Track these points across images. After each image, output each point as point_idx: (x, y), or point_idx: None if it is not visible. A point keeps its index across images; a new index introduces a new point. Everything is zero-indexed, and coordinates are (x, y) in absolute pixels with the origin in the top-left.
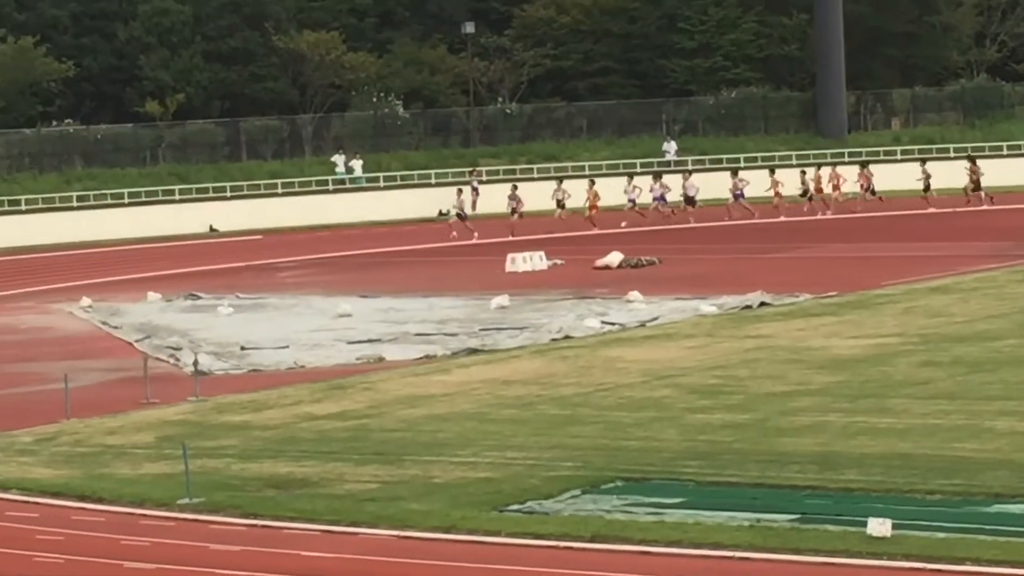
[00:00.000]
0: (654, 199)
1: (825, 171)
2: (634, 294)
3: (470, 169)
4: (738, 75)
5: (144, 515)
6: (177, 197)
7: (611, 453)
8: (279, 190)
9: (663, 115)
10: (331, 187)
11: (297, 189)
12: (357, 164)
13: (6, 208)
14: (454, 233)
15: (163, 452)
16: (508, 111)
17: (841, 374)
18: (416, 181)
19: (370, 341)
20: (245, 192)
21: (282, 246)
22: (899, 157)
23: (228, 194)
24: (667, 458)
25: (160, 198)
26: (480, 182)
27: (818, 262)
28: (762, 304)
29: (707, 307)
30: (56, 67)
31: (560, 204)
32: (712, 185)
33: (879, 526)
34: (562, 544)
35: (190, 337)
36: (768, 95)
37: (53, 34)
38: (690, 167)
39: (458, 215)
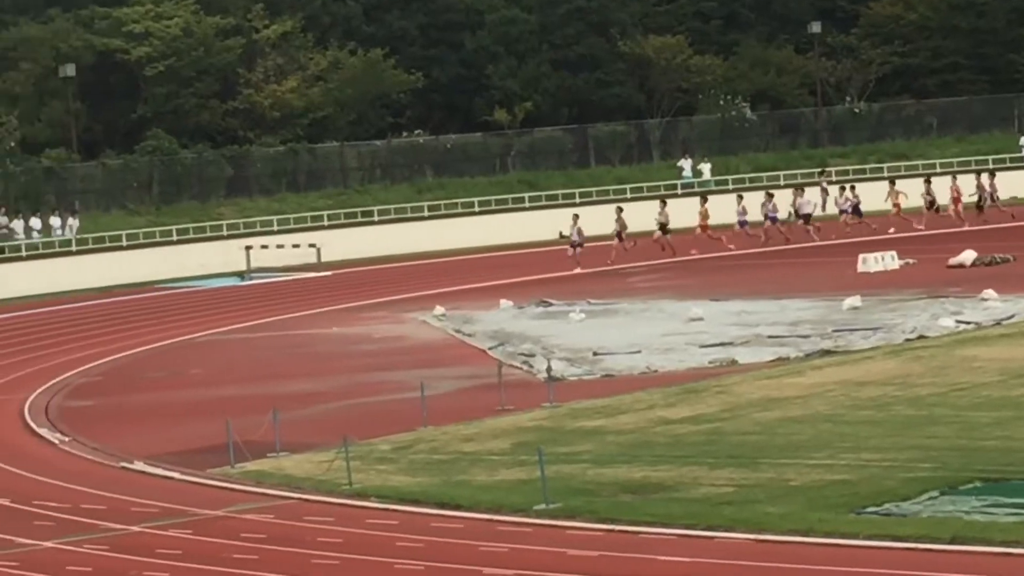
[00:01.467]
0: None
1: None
2: (989, 292)
3: (819, 170)
4: None
5: (501, 521)
6: (527, 204)
7: (969, 454)
8: (628, 195)
9: (1015, 110)
10: (679, 191)
11: (645, 194)
12: (706, 167)
13: (359, 219)
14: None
15: (519, 458)
16: (856, 110)
17: None
18: (765, 183)
19: (722, 344)
20: (594, 198)
21: (632, 251)
22: None
23: (577, 200)
24: None
25: (510, 206)
26: (829, 183)
27: None
28: None
29: None
30: (405, 78)
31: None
32: None
33: None
34: (921, 546)
35: (543, 344)
36: None
37: (401, 46)
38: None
39: (572, 244)
